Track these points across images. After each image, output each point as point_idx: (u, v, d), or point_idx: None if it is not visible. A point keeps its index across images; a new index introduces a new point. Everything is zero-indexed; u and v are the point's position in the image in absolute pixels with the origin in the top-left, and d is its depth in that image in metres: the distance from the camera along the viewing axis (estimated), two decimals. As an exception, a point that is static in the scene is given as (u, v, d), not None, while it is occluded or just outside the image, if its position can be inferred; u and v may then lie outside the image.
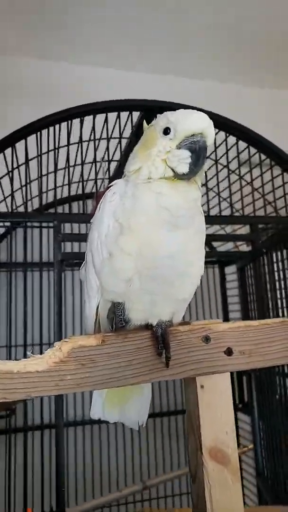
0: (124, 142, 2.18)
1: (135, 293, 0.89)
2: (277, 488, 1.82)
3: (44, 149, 2.03)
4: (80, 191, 2.47)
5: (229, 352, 0.85)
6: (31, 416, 2.17)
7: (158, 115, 0.94)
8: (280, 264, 1.56)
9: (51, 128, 2.01)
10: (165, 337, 0.84)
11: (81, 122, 2.03)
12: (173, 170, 0.87)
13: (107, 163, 2.29)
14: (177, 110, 0.90)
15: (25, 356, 1.83)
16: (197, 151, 0.86)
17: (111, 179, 2.58)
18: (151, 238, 0.86)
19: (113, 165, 2.39)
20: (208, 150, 0.90)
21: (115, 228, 0.91)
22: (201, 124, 0.86)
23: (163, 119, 0.91)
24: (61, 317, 1.83)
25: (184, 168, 0.86)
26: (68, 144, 2.06)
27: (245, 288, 2.07)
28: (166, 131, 0.89)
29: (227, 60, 3.57)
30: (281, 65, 3.68)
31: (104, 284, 0.92)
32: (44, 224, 1.97)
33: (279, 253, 1.60)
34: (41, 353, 2.02)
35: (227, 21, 3.12)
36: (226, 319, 2.73)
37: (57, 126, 2.01)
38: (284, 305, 1.71)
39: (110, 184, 0.99)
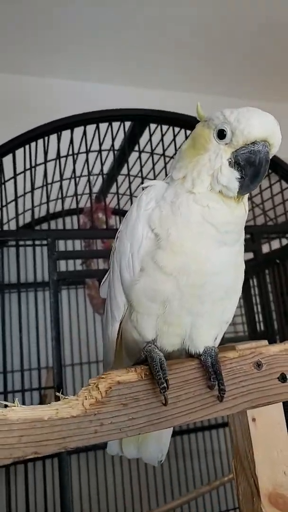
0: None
1: (172, 315, 0.77)
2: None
3: (33, 163, 1.92)
4: (71, 205, 2.38)
5: (283, 378, 0.74)
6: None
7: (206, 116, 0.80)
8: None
9: (40, 141, 1.91)
10: (217, 367, 0.73)
11: (71, 133, 1.92)
12: (222, 187, 0.75)
13: (97, 176, 2.20)
14: (238, 109, 0.75)
15: (22, 385, 1.70)
16: (257, 164, 0.72)
17: (101, 193, 2.49)
18: (196, 254, 0.75)
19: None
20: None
21: (150, 239, 0.78)
22: (266, 130, 0.72)
23: (219, 117, 0.76)
24: (59, 341, 1.70)
25: (235, 187, 0.74)
26: (59, 157, 1.95)
27: (251, 300, 1.97)
28: (222, 134, 0.75)
29: (208, 72, 3.53)
30: (265, 78, 3.66)
31: (135, 305, 0.79)
32: (37, 242, 1.83)
33: None
34: (39, 379, 1.88)
35: (211, 34, 3.09)
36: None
37: (46, 138, 1.90)
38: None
39: (145, 185, 0.87)
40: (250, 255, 2.17)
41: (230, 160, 0.74)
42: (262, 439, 0.73)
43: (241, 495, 0.74)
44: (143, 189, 0.87)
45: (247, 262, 2.13)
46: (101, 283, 0.99)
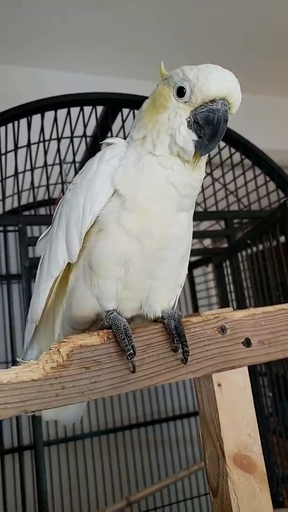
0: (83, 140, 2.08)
1: (133, 278, 0.77)
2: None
3: (2, 150, 1.88)
4: (44, 196, 2.35)
5: (247, 343, 0.75)
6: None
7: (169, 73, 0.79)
8: (266, 254, 1.49)
9: (10, 128, 1.87)
10: (180, 330, 0.73)
11: (42, 120, 1.89)
12: (179, 149, 0.74)
13: (70, 165, 2.18)
14: (198, 65, 0.73)
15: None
16: (215, 123, 0.71)
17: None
18: (162, 217, 0.75)
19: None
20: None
21: (114, 199, 0.76)
22: (225, 88, 0.70)
23: (178, 74, 0.75)
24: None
25: (190, 150, 0.73)
26: (29, 145, 1.92)
27: (224, 286, 1.98)
28: (181, 91, 0.74)
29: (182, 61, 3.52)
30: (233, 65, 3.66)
31: (96, 268, 0.77)
32: (9, 229, 1.80)
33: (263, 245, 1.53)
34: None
35: (184, 22, 3.07)
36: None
37: (15, 123, 1.87)
38: (267, 297, 1.63)
39: (109, 141, 0.85)
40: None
41: (189, 119, 0.74)
42: (227, 404, 0.74)
43: (208, 459, 0.75)
44: (106, 145, 0.86)
45: (222, 248, 2.15)
46: (39, 239, 0.96)
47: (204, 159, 0.79)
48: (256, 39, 3.31)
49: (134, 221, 0.75)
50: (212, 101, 0.71)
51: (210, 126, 0.72)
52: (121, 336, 0.69)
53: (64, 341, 0.64)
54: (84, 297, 0.81)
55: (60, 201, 0.89)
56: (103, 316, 0.77)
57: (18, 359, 0.62)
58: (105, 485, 2.62)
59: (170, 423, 2.90)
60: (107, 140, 0.86)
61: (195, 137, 0.73)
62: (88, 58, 3.30)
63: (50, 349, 0.63)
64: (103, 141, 0.90)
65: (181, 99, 0.74)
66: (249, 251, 1.76)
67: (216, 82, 0.71)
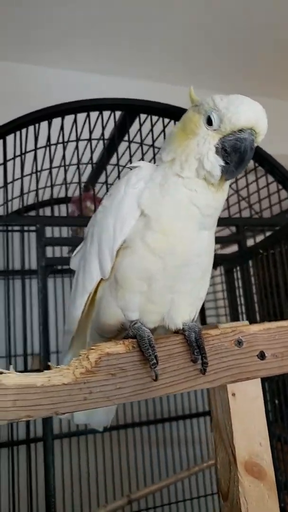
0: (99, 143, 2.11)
1: (156, 293, 0.82)
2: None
3: (23, 150, 1.92)
4: (59, 194, 2.40)
5: (262, 355, 0.79)
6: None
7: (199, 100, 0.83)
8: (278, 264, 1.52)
9: (31, 128, 1.92)
10: (200, 342, 0.78)
11: (62, 121, 1.94)
12: (206, 173, 0.79)
13: (86, 165, 2.22)
14: (228, 96, 0.78)
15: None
16: (242, 152, 0.76)
17: (90, 182, 2.51)
18: (185, 236, 0.80)
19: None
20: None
21: (139, 219, 0.82)
22: (253, 119, 0.75)
23: (209, 103, 0.79)
24: (47, 327, 1.73)
25: (217, 174, 0.78)
26: (49, 145, 1.96)
27: (234, 290, 2.02)
28: (211, 120, 0.78)
29: (198, 65, 3.53)
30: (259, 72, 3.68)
31: (122, 282, 0.83)
32: (26, 228, 1.85)
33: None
34: (25, 365, 1.90)
35: (198, 24, 3.09)
36: (204, 324, 2.69)
37: (36, 125, 1.91)
38: (277, 304, 1.66)
39: (134, 165, 0.90)
40: (235, 248, 2.22)
41: (217, 146, 0.79)
42: (240, 413, 0.78)
43: (220, 465, 0.79)
44: (130, 169, 0.90)
45: (232, 254, 2.19)
46: (73, 254, 1.02)
47: (228, 182, 0.83)
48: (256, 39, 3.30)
49: (158, 240, 0.80)
50: (240, 130, 0.76)
51: (237, 154, 0.77)
52: (145, 346, 0.74)
53: (92, 349, 0.68)
54: (110, 307, 0.86)
55: (90, 220, 0.94)
56: (127, 325, 0.82)
57: (49, 364, 0.66)
58: (107, 481, 2.66)
59: (172, 423, 2.94)
60: (133, 164, 0.91)
61: (222, 163, 0.78)
62: (90, 57, 3.33)
63: (80, 356, 0.67)
64: (129, 166, 0.94)
65: (211, 127, 0.79)
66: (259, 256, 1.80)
67: (244, 113, 0.75)
